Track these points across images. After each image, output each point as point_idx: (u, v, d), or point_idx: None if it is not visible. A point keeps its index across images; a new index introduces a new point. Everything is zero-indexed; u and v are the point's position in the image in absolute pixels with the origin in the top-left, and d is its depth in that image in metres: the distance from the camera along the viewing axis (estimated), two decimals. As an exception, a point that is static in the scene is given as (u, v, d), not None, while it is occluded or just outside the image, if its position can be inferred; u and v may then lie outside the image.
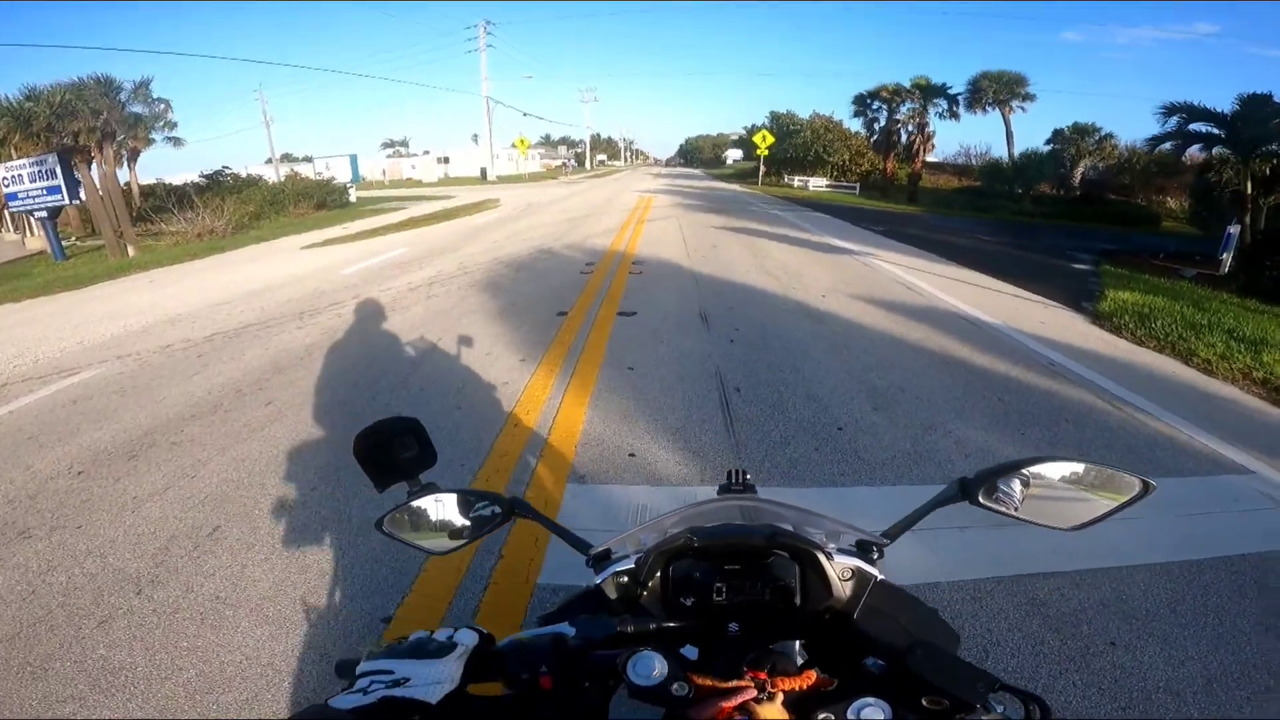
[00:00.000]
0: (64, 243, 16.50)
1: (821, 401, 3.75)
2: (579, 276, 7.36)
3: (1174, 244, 13.18)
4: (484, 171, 43.51)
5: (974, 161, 35.85)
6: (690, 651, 0.64)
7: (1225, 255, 9.51)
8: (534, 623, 0.70)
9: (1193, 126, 11.71)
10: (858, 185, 31.61)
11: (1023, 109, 29.28)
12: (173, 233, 15.53)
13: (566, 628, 0.62)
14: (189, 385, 4.29)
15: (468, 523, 0.85)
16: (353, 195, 24.45)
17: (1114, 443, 3.32)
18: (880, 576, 0.70)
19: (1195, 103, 11.44)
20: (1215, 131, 11.48)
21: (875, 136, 31.97)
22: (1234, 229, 9.50)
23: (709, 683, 0.56)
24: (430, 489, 0.84)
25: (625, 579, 0.71)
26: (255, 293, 7.48)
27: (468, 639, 0.60)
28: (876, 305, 6.14)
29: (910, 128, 29.67)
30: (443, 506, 0.85)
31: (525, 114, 57.17)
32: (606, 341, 4.83)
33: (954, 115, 29.64)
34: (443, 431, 3.31)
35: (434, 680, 0.54)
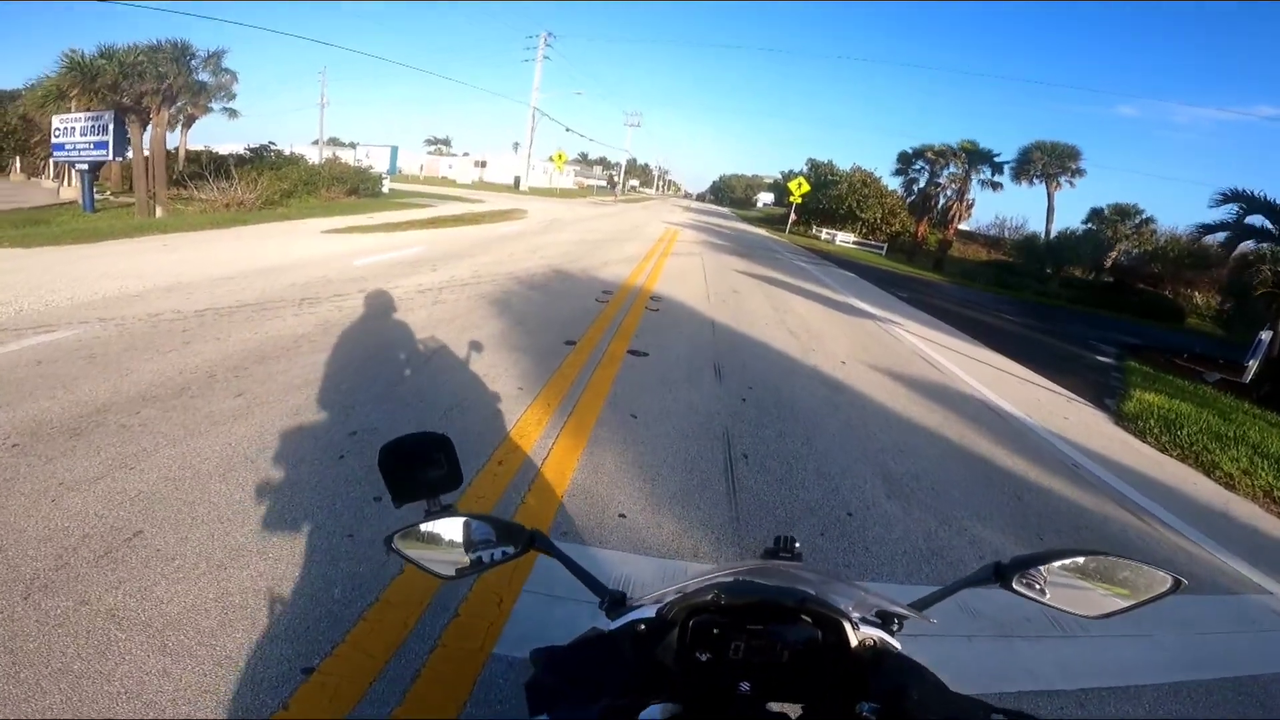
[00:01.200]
0: (98, 196, 16.63)
1: (832, 481, 3.45)
2: (593, 304, 7.12)
3: (1198, 344, 12.85)
4: (517, 180, 43.93)
5: (1007, 234, 35.81)
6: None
7: (1251, 362, 9.11)
8: (504, 686, 0.81)
9: (1249, 219, 11.06)
10: (885, 246, 31.51)
11: (1070, 184, 29.06)
12: (202, 200, 15.55)
13: (547, 717, 0.61)
14: (162, 361, 4.03)
15: (482, 550, 0.82)
16: (386, 186, 24.58)
17: (1131, 554, 2.98)
18: (900, 649, 0.69)
19: (1256, 192, 10.90)
20: (1270, 227, 10.90)
21: (913, 197, 31.93)
22: (1265, 335, 9.11)
23: None
24: (449, 511, 0.83)
25: (643, 627, 0.69)
26: (262, 271, 7.28)
27: None
28: (896, 380, 5.84)
29: (950, 192, 29.56)
30: (458, 530, 0.83)
31: (568, 129, 57.91)
32: (612, 382, 4.55)
33: (995, 185, 29.55)
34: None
35: None
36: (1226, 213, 11.22)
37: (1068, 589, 0.76)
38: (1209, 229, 11.90)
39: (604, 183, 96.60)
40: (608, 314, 6.73)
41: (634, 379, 4.67)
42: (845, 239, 33.38)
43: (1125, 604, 0.75)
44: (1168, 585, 0.74)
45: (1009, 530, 3.24)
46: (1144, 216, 27.45)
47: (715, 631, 0.66)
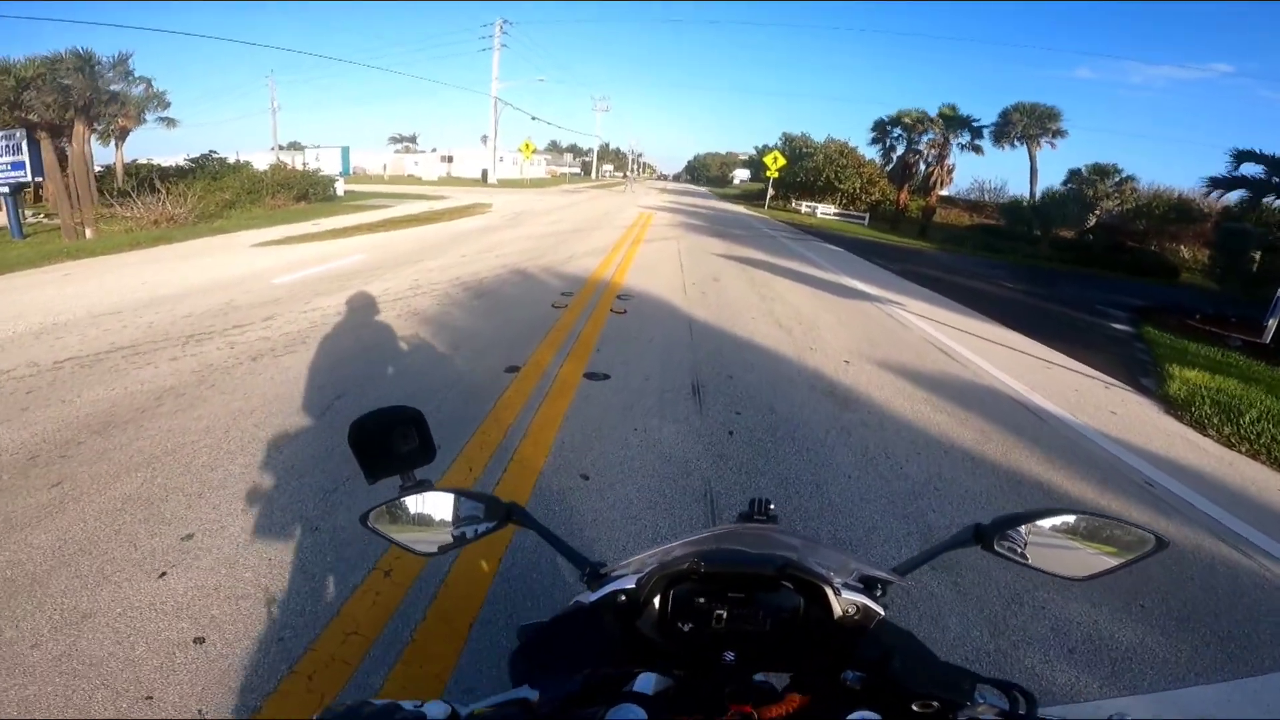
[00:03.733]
0: (34, 219, 15.25)
1: (856, 552, 2.48)
2: (549, 312, 6.08)
3: (1202, 302, 12.10)
4: (485, 174, 42.37)
5: (988, 198, 34.97)
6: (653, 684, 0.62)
7: (1271, 321, 8.44)
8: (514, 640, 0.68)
9: (1244, 169, 10.44)
10: (867, 215, 30.54)
11: (1051, 145, 28.19)
12: (128, 218, 14.22)
13: (529, 691, 0.60)
14: (-37, 445, 3.00)
15: (460, 525, 0.81)
16: (340, 189, 23.18)
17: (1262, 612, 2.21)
18: (884, 614, 0.66)
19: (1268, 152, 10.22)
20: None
21: (891, 165, 30.82)
22: None
23: None
24: (424, 486, 0.81)
25: (623, 598, 0.66)
26: (160, 301, 6.19)
27: (437, 711, 0.53)
28: (912, 381, 4.89)
29: (930, 158, 28.46)
30: (435, 505, 0.81)
31: (534, 118, 55.82)
32: (560, 423, 3.54)
33: (976, 149, 28.49)
34: (290, 581, 2.04)
35: None
36: (1246, 172, 10.41)
37: (1050, 550, 0.74)
38: (1218, 183, 11.08)
39: (577, 169, 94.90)
40: (565, 322, 5.71)
41: (590, 416, 3.67)
42: (826, 211, 32.37)
43: (1109, 565, 0.73)
44: (1151, 545, 0.72)
45: (1103, 603, 2.32)
46: (1124, 175, 26.89)
47: (698, 601, 0.65)
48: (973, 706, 0.53)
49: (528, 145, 39.05)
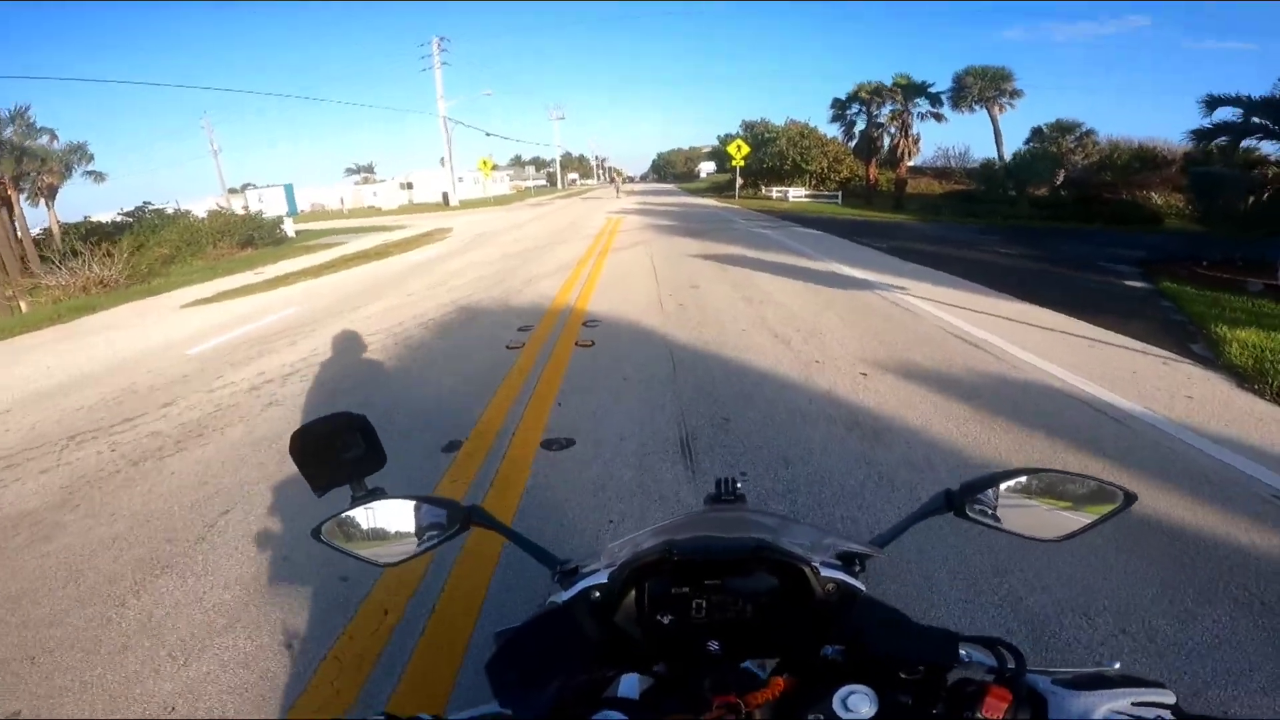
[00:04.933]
0: None
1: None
2: (501, 357, 5.13)
3: (1200, 247, 11.44)
4: (446, 197, 41.24)
5: (953, 164, 34.51)
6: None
7: None
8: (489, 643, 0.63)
9: (1219, 115, 10.04)
10: (839, 194, 29.85)
11: (1011, 106, 27.66)
12: (52, 287, 13.08)
13: (498, 708, 0.56)
14: None
15: (420, 533, 0.77)
16: (290, 229, 22.05)
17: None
18: (864, 590, 0.62)
19: (1244, 95, 9.75)
20: (1265, 123, 9.72)
21: (855, 142, 30.01)
22: None
23: None
24: (376, 494, 0.78)
25: (597, 594, 0.61)
26: (56, 391, 5.24)
27: None
28: (946, 390, 4.01)
29: (893, 130, 27.65)
30: (391, 514, 0.78)
31: (489, 134, 54.60)
32: (509, 527, 2.62)
33: (938, 117, 27.70)
34: None
35: None
36: (1224, 117, 9.96)
37: (1021, 512, 0.73)
38: (1205, 134, 10.53)
39: (543, 181, 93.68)
40: (521, 367, 4.78)
41: (549, 509, 2.74)
42: (797, 194, 31.64)
43: (1082, 523, 0.71)
44: (1119, 501, 0.71)
45: None
46: (1084, 129, 27.09)
47: (674, 591, 0.62)
48: (961, 667, 0.53)
49: (485, 162, 38.06)
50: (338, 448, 0.80)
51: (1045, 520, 0.72)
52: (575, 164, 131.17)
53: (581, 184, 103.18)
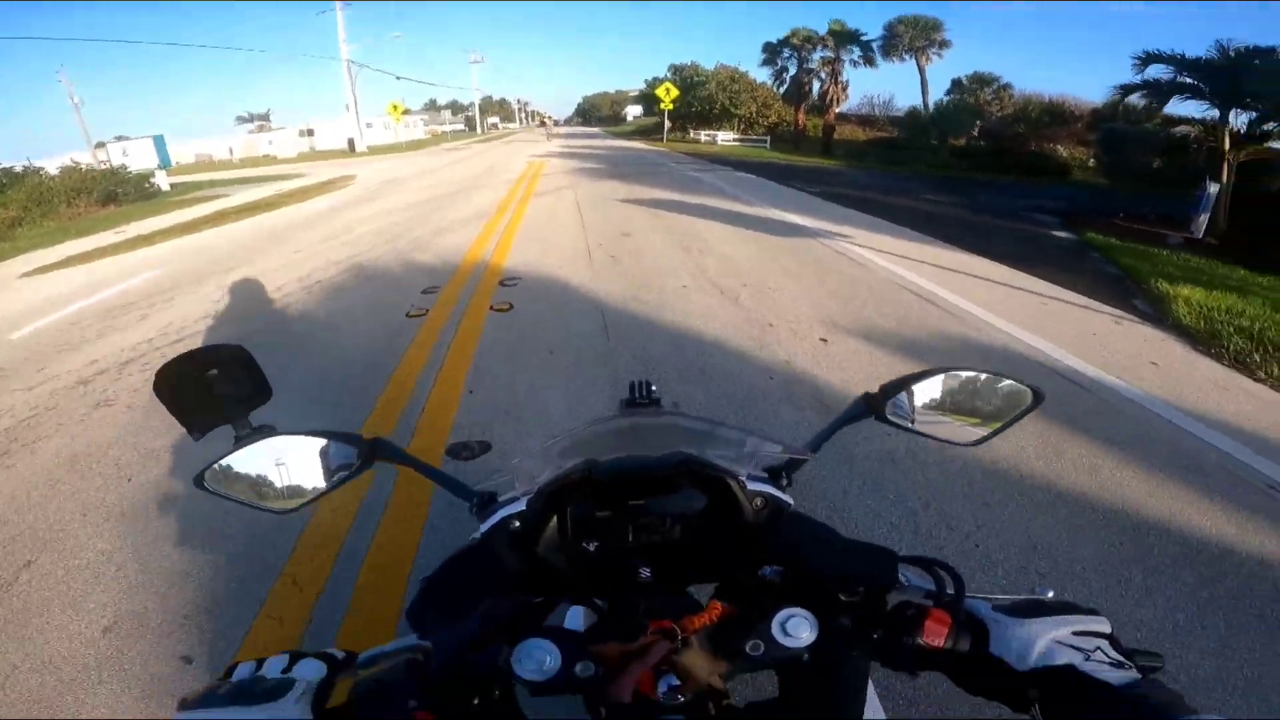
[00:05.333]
0: None
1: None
2: (400, 328, 4.32)
3: (1111, 201, 11.83)
4: (351, 143, 37.79)
5: (878, 112, 34.64)
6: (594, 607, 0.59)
7: (1202, 217, 8.15)
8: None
9: (1152, 73, 10.14)
10: (768, 139, 29.34)
11: (939, 56, 27.73)
12: None
13: (416, 640, 0.50)
14: None
15: (317, 471, 0.68)
16: (164, 182, 19.32)
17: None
18: (792, 504, 0.60)
19: (1177, 52, 9.75)
20: (1195, 83, 9.82)
21: (785, 87, 29.36)
22: (1213, 189, 8.16)
23: (615, 650, 0.49)
24: (265, 431, 0.67)
25: (517, 524, 0.57)
26: None
27: (310, 672, 0.46)
28: (914, 356, 3.59)
29: (823, 76, 27.15)
30: (283, 452, 0.68)
31: (399, 78, 49.90)
32: (403, 590, 1.95)
33: (869, 63, 27.29)
34: None
35: None
36: (1154, 73, 9.98)
37: (937, 414, 0.72)
38: (1130, 89, 10.56)
39: (461, 126, 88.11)
40: (423, 341, 4.00)
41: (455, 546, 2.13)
42: (726, 138, 30.86)
43: (995, 425, 0.72)
44: (1030, 400, 0.70)
45: None
46: (1001, 83, 27.86)
47: (597, 515, 0.57)
48: (900, 590, 0.52)
49: (395, 106, 34.96)
50: (212, 382, 0.71)
51: (959, 423, 0.72)
52: (496, 108, 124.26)
53: (504, 128, 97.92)
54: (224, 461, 0.65)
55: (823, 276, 5.34)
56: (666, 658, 0.48)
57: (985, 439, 0.71)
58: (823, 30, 26.70)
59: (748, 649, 0.49)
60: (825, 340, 3.82)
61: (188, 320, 4.86)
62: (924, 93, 28.30)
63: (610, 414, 0.86)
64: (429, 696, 0.46)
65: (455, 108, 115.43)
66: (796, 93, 28.15)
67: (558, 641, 0.48)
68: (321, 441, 0.67)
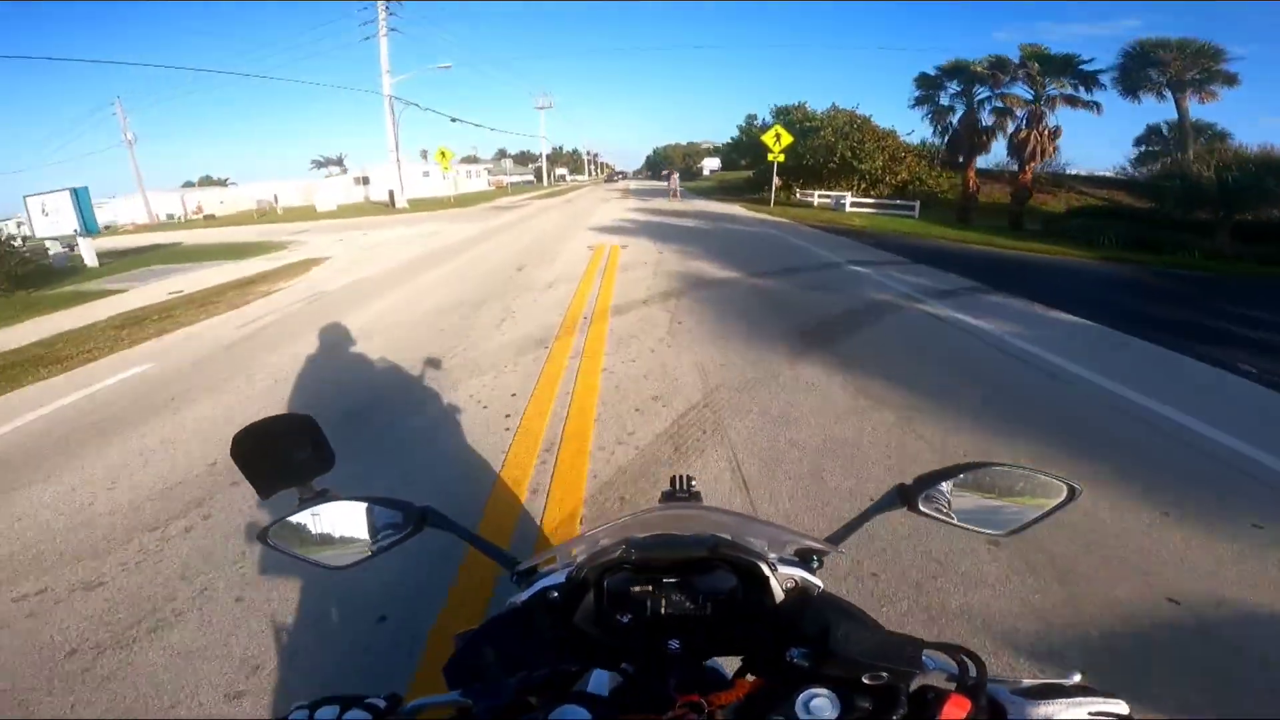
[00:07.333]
0: None
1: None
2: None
3: None
4: (392, 196, 32.88)
5: (1067, 169, 26.64)
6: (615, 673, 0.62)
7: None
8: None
9: None
10: (916, 204, 21.78)
11: (1213, 95, 19.83)
12: None
13: (460, 698, 0.55)
14: None
15: (372, 534, 0.73)
16: (89, 255, 13.81)
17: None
18: (822, 587, 0.64)
19: None
20: None
21: (949, 134, 21.42)
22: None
23: None
24: (325, 496, 0.74)
25: (555, 594, 0.62)
26: None
27: (379, 703, 0.51)
28: None
29: (1020, 117, 18.72)
30: (341, 516, 0.73)
31: (454, 119, 45.21)
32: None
33: (1093, 105, 18.48)
34: None
35: None
36: None
37: (972, 506, 0.73)
38: None
39: (529, 176, 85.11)
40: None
41: None
42: (848, 201, 23.56)
43: (1030, 518, 0.72)
44: (1064, 495, 0.71)
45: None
46: (1216, 129, 21.25)
47: (632, 590, 0.61)
48: (923, 674, 0.53)
49: (444, 153, 29.81)
50: (283, 449, 0.75)
51: (995, 515, 0.72)
52: (566, 159, 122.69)
53: (572, 180, 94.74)
54: (286, 521, 0.71)
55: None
56: None
57: (1019, 530, 0.72)
58: (1015, 58, 18.69)
59: None
60: None
61: None
62: (1184, 143, 20.24)
63: (651, 505, 0.87)
64: None
65: (526, 158, 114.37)
66: (968, 142, 20.19)
67: (591, 709, 0.50)
68: (376, 508, 0.73)
